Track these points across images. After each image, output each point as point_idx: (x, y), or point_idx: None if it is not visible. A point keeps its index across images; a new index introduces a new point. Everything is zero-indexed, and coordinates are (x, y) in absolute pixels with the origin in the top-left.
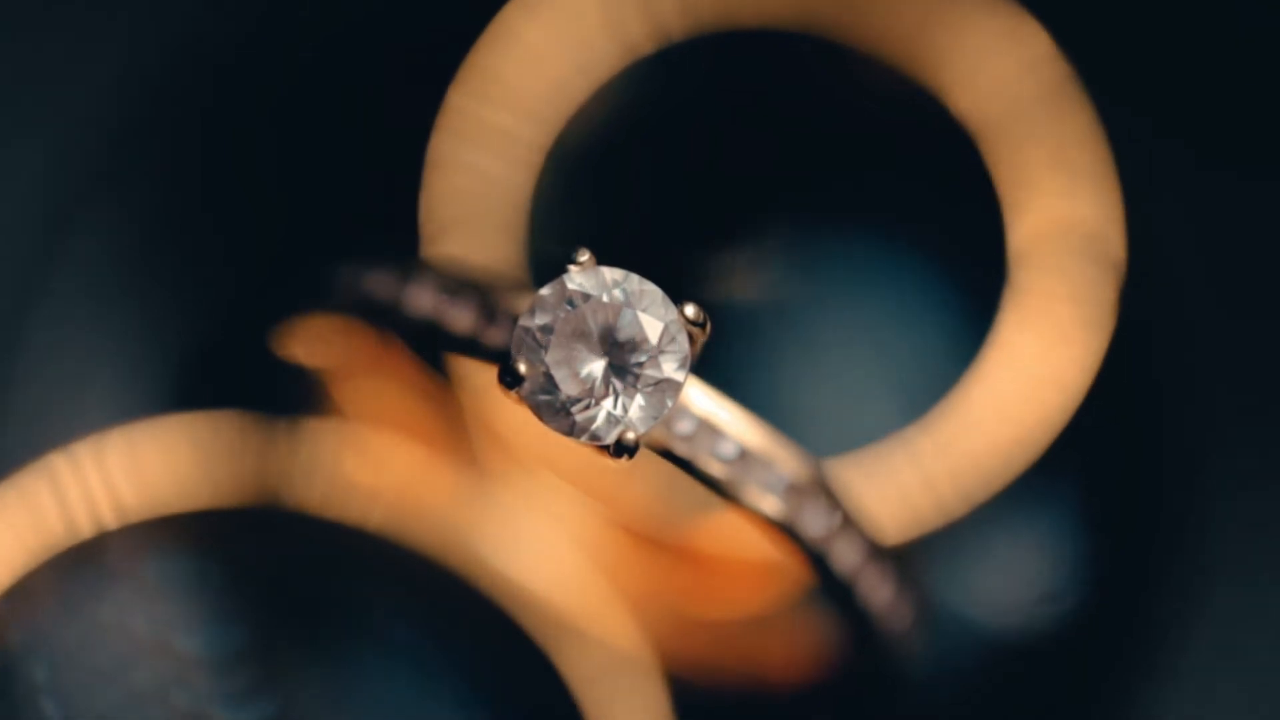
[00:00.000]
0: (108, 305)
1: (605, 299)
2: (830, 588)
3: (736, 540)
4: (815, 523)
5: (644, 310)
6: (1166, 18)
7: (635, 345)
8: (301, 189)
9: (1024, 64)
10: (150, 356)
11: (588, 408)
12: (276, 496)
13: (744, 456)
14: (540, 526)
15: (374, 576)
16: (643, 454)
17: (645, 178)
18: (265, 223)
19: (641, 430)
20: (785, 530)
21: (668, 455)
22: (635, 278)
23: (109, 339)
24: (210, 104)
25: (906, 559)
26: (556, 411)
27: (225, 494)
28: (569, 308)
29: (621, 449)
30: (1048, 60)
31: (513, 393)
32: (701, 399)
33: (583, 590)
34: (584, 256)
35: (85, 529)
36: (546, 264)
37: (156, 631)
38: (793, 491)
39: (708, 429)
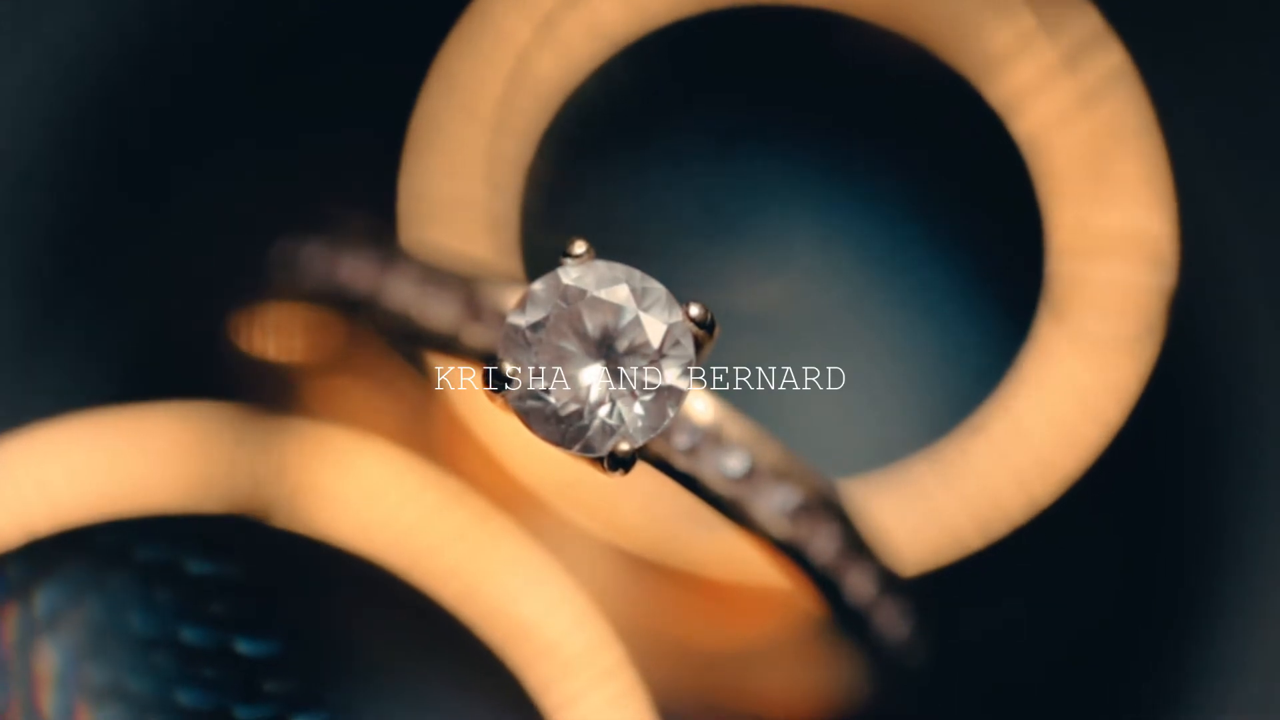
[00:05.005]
0: (60, 287)
1: (603, 296)
2: (842, 620)
3: (740, 565)
4: (827, 548)
5: (646, 310)
6: (1231, 11)
7: (635, 348)
8: (270, 165)
9: (1074, 56)
10: (102, 344)
11: (581, 415)
12: (237, 500)
13: (751, 474)
14: (523, 544)
15: (342, 589)
16: (640, 468)
17: (651, 163)
18: (229, 201)
19: (639, 442)
20: (794, 555)
21: (667, 470)
22: (637, 274)
23: (60, 323)
24: (175, 77)
25: (926, 590)
26: (546, 419)
27: (184, 495)
28: (563, 305)
29: (617, 462)
30: (1100, 47)
31: (498, 397)
32: (706, 409)
33: (570, 615)
34: (581, 249)
35: (36, 522)
36: (539, 256)
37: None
38: (803, 513)
39: (712, 442)
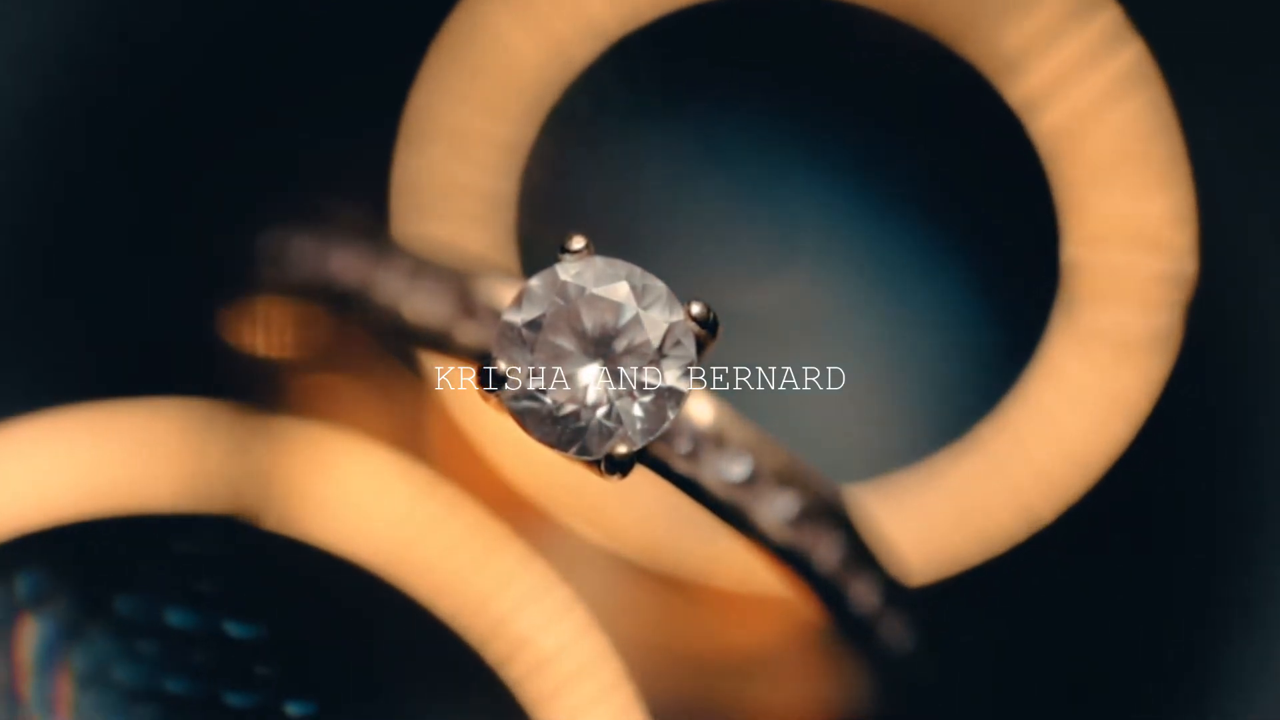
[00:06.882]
0: (47, 281)
1: (602, 294)
2: (845, 630)
3: (741, 573)
4: (831, 556)
5: (646, 308)
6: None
7: (634, 348)
8: (260, 158)
9: (1090, 45)
10: (89, 339)
11: (577, 417)
12: (224, 499)
13: (753, 479)
14: (518, 549)
15: (330, 594)
16: (638, 472)
17: (651, 159)
18: (218, 194)
19: (638, 444)
20: (796, 563)
21: (666, 474)
22: (638, 271)
23: (46, 318)
24: (165, 70)
25: (934, 601)
26: (542, 420)
27: (171, 494)
28: (561, 302)
29: (614, 465)
30: (1118, 41)
31: (492, 396)
32: (707, 411)
33: (551, 608)
34: (579, 244)
35: (23, 517)
36: (536, 251)
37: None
38: (806, 520)
39: (713, 446)
